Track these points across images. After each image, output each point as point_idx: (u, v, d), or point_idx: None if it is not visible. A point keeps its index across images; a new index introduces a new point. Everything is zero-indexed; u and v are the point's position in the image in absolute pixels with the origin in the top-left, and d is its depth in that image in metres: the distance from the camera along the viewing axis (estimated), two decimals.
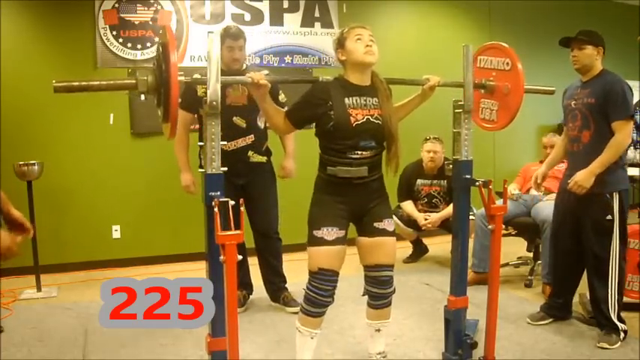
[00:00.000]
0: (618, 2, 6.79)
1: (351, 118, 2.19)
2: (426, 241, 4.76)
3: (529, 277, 3.85)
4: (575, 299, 3.32)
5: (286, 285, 3.42)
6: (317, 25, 5.17)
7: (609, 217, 2.76)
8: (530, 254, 4.06)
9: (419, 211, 4.40)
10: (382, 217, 2.34)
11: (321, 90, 2.23)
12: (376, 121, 2.24)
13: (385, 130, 2.25)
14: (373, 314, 2.41)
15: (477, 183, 2.35)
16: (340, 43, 2.27)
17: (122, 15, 4.59)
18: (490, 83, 2.46)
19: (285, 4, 5.07)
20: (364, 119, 2.21)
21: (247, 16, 4.95)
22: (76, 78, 4.81)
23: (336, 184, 2.26)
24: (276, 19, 5.04)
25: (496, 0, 5.97)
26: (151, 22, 4.66)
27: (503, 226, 3.62)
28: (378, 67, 2.32)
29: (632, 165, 4.29)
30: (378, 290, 2.35)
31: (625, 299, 3.11)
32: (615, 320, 2.81)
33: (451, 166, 2.52)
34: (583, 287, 3.38)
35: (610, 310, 2.81)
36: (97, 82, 1.60)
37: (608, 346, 2.75)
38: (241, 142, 3.14)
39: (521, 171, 4.29)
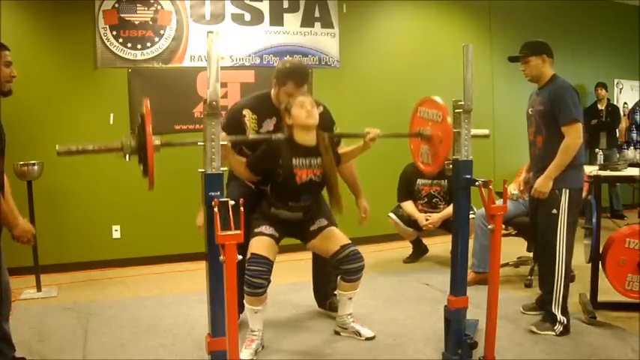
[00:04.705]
0: (618, 2, 6.80)
1: (297, 177, 2.66)
2: (426, 241, 4.76)
3: (529, 277, 3.85)
4: (575, 299, 3.32)
5: (335, 292, 3.28)
6: (317, 25, 5.17)
7: (554, 211, 2.90)
8: (530, 254, 4.05)
9: (419, 211, 4.40)
10: (314, 220, 2.85)
11: (272, 149, 2.67)
12: (318, 180, 2.71)
13: (325, 185, 2.74)
14: (348, 287, 2.87)
15: (477, 183, 2.36)
16: (287, 111, 2.69)
17: (122, 15, 4.59)
18: (426, 133, 2.62)
19: (285, 4, 5.07)
20: (308, 179, 2.69)
21: (247, 16, 4.95)
22: (76, 78, 4.82)
23: (276, 216, 2.78)
24: (276, 19, 5.04)
25: (496, 0, 5.97)
26: (150, 22, 4.67)
27: (503, 226, 3.63)
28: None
29: (632, 165, 4.29)
30: (352, 265, 2.79)
31: (625, 299, 3.12)
32: (557, 313, 2.90)
33: (451, 166, 2.52)
34: (583, 287, 3.39)
35: (553, 302, 2.91)
36: (91, 147, 2.01)
37: (536, 330, 2.92)
38: None
39: (521, 171, 4.29)
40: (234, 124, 2.85)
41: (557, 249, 2.90)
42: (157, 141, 1.95)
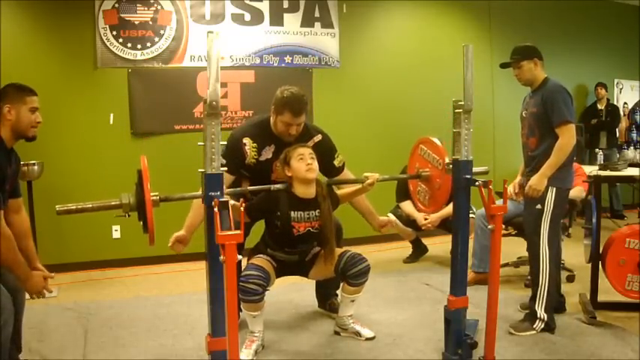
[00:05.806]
0: (618, 2, 6.79)
1: (294, 229, 2.68)
2: (425, 241, 4.76)
3: (529, 277, 3.84)
4: (575, 299, 3.33)
5: (337, 292, 3.32)
6: (317, 25, 5.17)
7: (539, 206, 2.91)
8: None
9: (418, 211, 4.39)
10: (308, 252, 2.84)
11: (271, 200, 2.67)
12: (315, 231, 2.73)
13: (321, 235, 2.74)
14: (351, 290, 2.84)
15: (477, 183, 2.36)
16: (286, 162, 2.68)
17: (122, 15, 4.59)
18: (425, 174, 2.69)
19: (285, 4, 5.07)
20: (305, 231, 2.70)
21: (247, 16, 4.95)
22: (76, 78, 4.81)
23: (273, 256, 2.80)
24: (276, 19, 5.04)
25: (496, 0, 5.97)
26: (150, 22, 4.67)
27: (503, 226, 3.63)
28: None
29: (632, 165, 4.29)
30: (357, 268, 2.76)
31: (625, 299, 3.12)
32: (538, 310, 2.91)
33: (451, 166, 2.52)
34: (583, 287, 3.39)
35: (537, 299, 2.93)
36: (90, 205, 2.07)
37: (514, 332, 2.92)
38: None
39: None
40: (235, 153, 2.86)
41: (540, 245, 2.92)
42: (155, 197, 1.98)
